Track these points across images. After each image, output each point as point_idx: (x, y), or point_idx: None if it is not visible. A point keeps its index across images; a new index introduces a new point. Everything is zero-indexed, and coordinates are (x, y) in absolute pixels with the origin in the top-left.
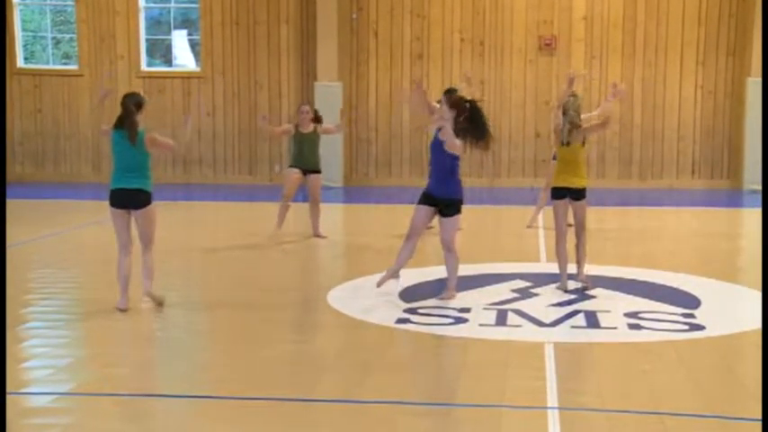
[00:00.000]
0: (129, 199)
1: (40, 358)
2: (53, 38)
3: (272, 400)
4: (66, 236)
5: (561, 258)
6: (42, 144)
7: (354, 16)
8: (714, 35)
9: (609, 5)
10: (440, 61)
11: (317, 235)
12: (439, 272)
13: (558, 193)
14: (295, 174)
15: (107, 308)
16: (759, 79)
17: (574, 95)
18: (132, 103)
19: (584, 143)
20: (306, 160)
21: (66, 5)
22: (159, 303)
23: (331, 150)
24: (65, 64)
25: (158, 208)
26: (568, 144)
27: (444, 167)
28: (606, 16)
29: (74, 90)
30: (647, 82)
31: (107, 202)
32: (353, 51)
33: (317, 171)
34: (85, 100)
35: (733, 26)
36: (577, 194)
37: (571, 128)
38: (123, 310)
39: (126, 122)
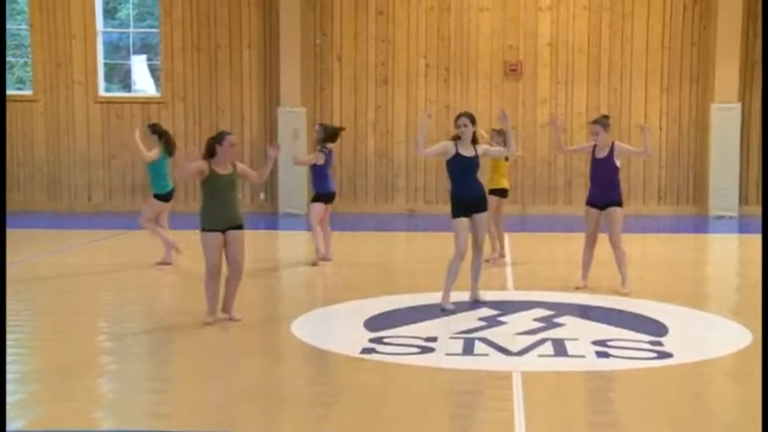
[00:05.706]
0: (172, 194)
1: None
2: (7, 62)
3: None
4: (19, 266)
5: (491, 232)
6: None
7: (318, 41)
8: (677, 62)
9: (574, 32)
10: (404, 86)
11: (231, 318)
12: (407, 300)
13: (497, 193)
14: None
15: (58, 341)
16: (722, 105)
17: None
18: (163, 132)
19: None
20: (226, 215)
21: (19, 30)
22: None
23: (295, 177)
24: (19, 89)
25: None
26: (507, 159)
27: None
28: (571, 42)
29: (28, 116)
30: (613, 108)
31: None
32: (317, 76)
33: (237, 226)
34: (40, 126)
35: (696, 54)
36: (505, 193)
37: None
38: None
39: (171, 147)
